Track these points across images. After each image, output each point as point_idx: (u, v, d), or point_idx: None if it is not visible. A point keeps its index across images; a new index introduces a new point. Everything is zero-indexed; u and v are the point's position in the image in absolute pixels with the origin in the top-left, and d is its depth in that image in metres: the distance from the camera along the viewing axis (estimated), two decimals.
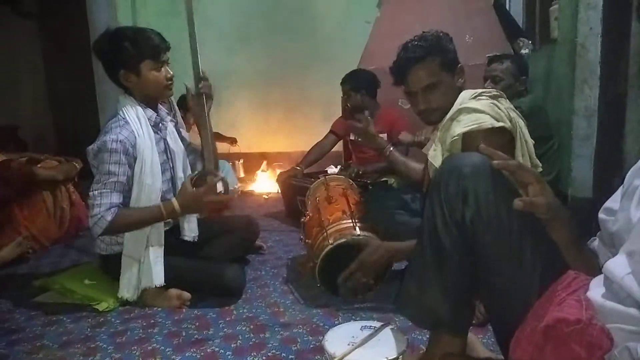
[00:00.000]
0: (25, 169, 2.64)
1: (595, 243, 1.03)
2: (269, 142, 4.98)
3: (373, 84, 3.10)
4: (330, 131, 3.38)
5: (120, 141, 1.72)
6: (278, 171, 3.99)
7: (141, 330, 1.67)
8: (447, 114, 1.54)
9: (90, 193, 1.73)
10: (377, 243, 1.69)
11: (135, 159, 1.76)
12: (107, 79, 1.87)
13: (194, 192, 1.79)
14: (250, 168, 4.73)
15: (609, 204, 0.97)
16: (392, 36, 3.33)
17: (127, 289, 1.83)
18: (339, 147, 3.46)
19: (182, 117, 2.15)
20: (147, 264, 1.81)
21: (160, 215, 1.79)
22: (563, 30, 2.67)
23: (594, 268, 0.95)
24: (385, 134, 3.11)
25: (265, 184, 4.39)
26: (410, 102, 1.64)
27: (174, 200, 1.80)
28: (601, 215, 0.98)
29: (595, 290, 0.87)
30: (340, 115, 3.48)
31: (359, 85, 3.08)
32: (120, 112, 1.81)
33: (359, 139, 1.94)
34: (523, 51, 3.22)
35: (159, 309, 1.83)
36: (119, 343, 1.59)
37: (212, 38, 4.97)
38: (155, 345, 1.56)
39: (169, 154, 1.93)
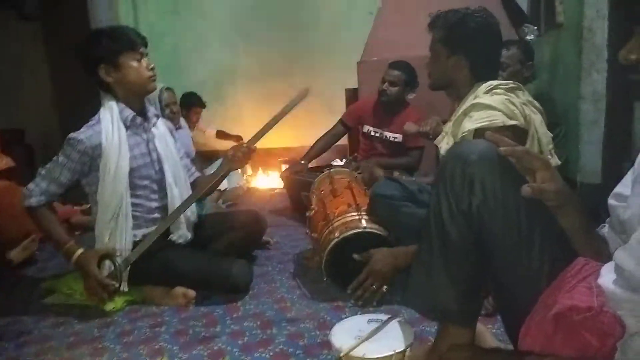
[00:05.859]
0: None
1: (605, 229, 1.00)
2: (273, 137, 4.95)
3: None
4: (340, 121, 3.16)
5: (79, 140, 1.76)
6: (283, 167, 3.98)
7: (148, 330, 1.66)
8: (434, 87, 1.65)
9: (39, 169, 1.81)
10: (384, 251, 1.71)
11: (98, 157, 1.78)
12: None
13: (95, 274, 1.72)
14: (254, 164, 4.72)
15: (618, 189, 0.95)
16: (395, 27, 3.31)
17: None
18: (344, 140, 3.42)
19: (183, 116, 2.13)
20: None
21: (59, 248, 1.80)
22: (569, 14, 2.62)
23: (604, 255, 0.92)
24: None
25: (270, 180, 4.38)
26: None
27: (81, 251, 1.75)
28: (611, 201, 0.95)
29: (607, 277, 0.84)
30: (354, 103, 3.28)
31: (412, 81, 2.89)
32: (100, 111, 1.84)
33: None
34: (528, 37, 3.17)
35: (166, 307, 1.82)
36: (126, 343, 1.58)
37: (215, 35, 4.94)
38: (162, 343, 1.56)
39: (155, 157, 1.90)
